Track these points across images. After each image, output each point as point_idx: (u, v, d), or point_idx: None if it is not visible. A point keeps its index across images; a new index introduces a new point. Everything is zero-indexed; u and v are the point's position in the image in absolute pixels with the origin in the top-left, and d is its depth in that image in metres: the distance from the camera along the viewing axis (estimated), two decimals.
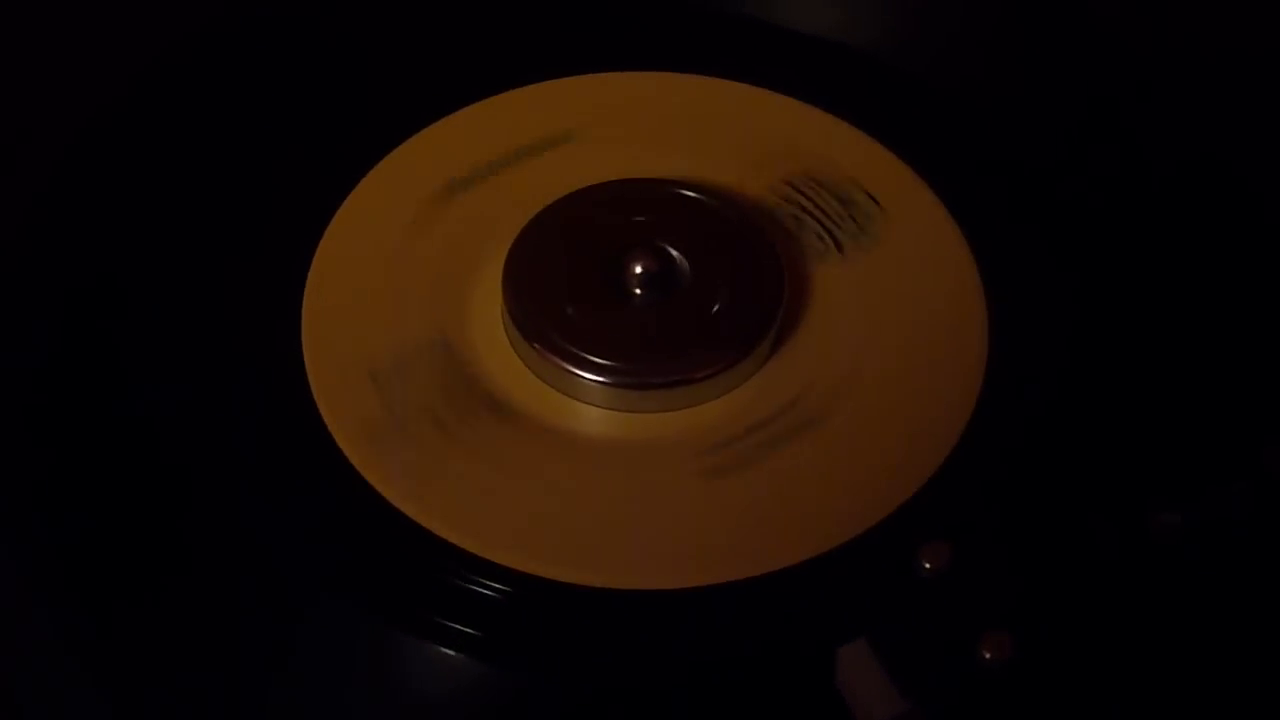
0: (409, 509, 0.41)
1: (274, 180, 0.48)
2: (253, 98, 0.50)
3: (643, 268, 0.45)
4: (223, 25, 0.52)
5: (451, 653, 0.39)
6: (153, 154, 0.49)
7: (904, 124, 0.50)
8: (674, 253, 0.45)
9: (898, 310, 0.46)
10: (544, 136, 0.49)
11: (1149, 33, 0.51)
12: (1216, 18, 0.51)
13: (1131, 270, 0.46)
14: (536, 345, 0.44)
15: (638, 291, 0.45)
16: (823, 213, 0.48)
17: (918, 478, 0.42)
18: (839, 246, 0.47)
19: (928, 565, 0.38)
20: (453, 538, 0.41)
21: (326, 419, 0.43)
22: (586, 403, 0.44)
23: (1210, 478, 0.40)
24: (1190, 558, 0.39)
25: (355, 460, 0.42)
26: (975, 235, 0.47)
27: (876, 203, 0.48)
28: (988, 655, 0.37)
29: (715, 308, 0.44)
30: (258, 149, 0.49)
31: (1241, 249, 0.47)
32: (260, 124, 0.50)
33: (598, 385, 0.43)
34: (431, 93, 0.50)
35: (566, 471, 0.42)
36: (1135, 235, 0.47)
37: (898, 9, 0.53)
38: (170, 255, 0.46)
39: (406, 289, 0.46)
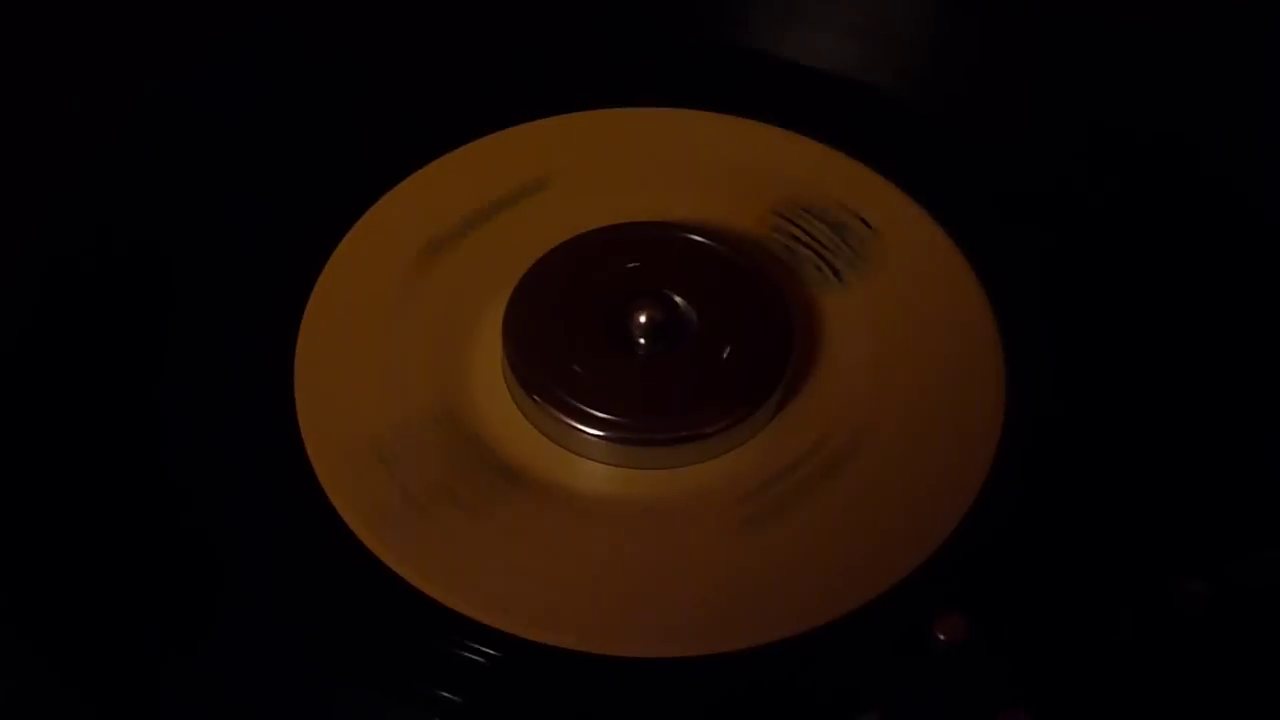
0: (429, 589, 0.40)
1: (248, 256, 0.47)
2: (251, 121, 0.50)
3: (647, 317, 0.43)
4: (225, 45, 0.51)
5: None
6: (152, 172, 0.48)
7: (890, 146, 0.49)
8: (678, 299, 0.44)
9: (910, 359, 0.45)
10: (522, 183, 0.48)
11: (1137, 47, 0.51)
12: (1219, 41, 0.51)
13: (1149, 318, 0.45)
14: (538, 399, 0.43)
15: (642, 341, 0.44)
16: (817, 242, 0.47)
17: (932, 541, 0.41)
18: (838, 275, 0.46)
19: (943, 637, 0.37)
20: (468, 611, 0.40)
21: (335, 502, 0.42)
22: (596, 460, 0.43)
23: (1237, 545, 0.39)
24: (1216, 628, 0.38)
25: (369, 542, 0.41)
26: (975, 255, 0.46)
27: (868, 225, 0.47)
28: None
29: (723, 356, 0.43)
30: (254, 176, 0.48)
31: (1266, 293, 0.46)
32: (257, 151, 0.49)
33: (606, 443, 0.42)
34: (400, 147, 0.49)
35: (578, 537, 0.41)
36: (1152, 276, 0.46)
37: (876, 34, 0.52)
38: (145, 339, 0.45)
39: (400, 357, 0.45)
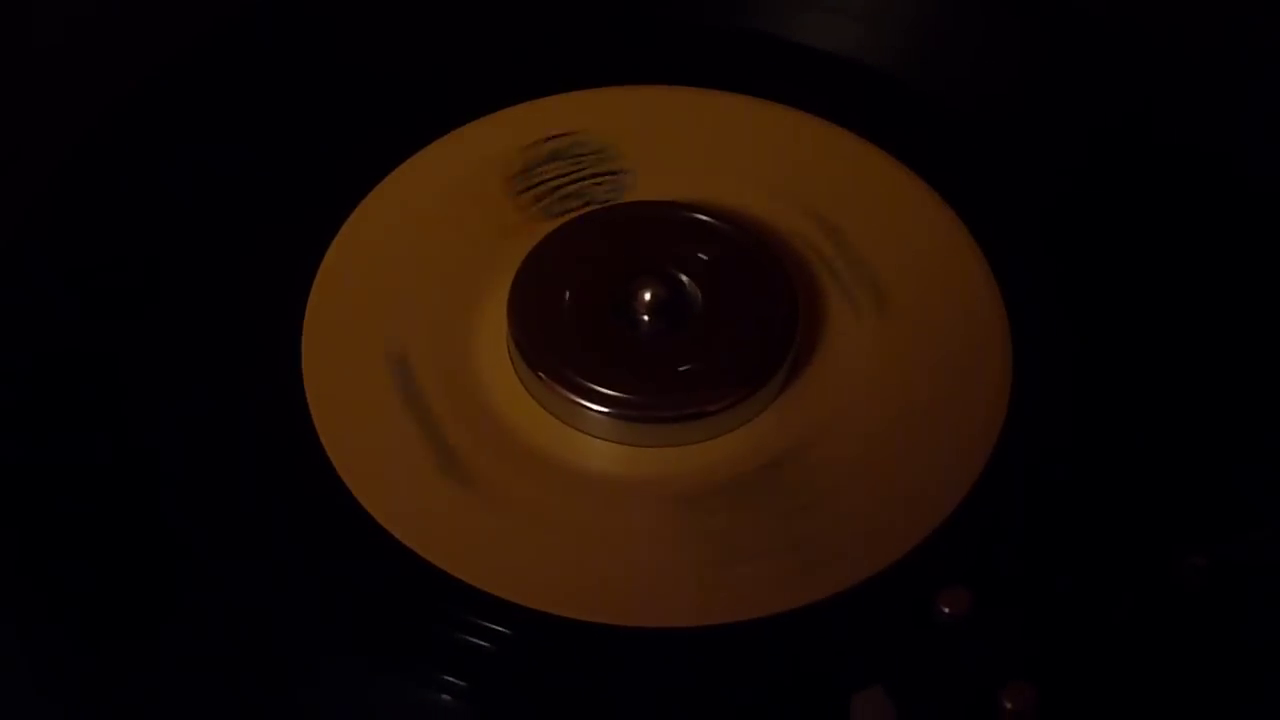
0: (435, 559, 0.40)
1: (272, 199, 0.47)
2: (248, 111, 0.50)
3: (652, 295, 0.43)
4: (218, 36, 0.51)
5: (451, 698, 0.39)
6: (148, 164, 0.48)
7: (901, 129, 0.49)
8: (683, 278, 0.44)
9: (916, 340, 0.45)
10: (530, 160, 0.48)
11: (1162, 43, 0.51)
12: (1225, 27, 0.51)
13: (1155, 301, 0.45)
14: (542, 375, 0.43)
15: (647, 319, 0.44)
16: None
17: (936, 517, 0.41)
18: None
19: (947, 610, 0.37)
20: (462, 575, 0.40)
21: (341, 474, 0.42)
22: (600, 437, 0.43)
23: (1237, 521, 0.39)
24: (1219, 603, 0.38)
25: (376, 514, 0.41)
26: (983, 237, 0.46)
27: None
28: (1009, 706, 0.36)
29: (728, 334, 0.43)
30: (255, 164, 0.48)
31: (1270, 274, 0.46)
32: (256, 140, 0.49)
33: (611, 419, 0.42)
34: (430, 110, 0.49)
35: (581, 513, 0.41)
36: (1158, 260, 0.46)
37: (918, 28, 0.52)
38: (160, 294, 0.46)
39: (405, 334, 0.45)
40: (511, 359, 0.44)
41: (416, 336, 0.44)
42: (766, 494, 0.42)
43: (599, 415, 0.42)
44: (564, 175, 0.48)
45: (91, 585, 0.40)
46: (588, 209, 0.46)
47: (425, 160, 0.48)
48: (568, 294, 0.44)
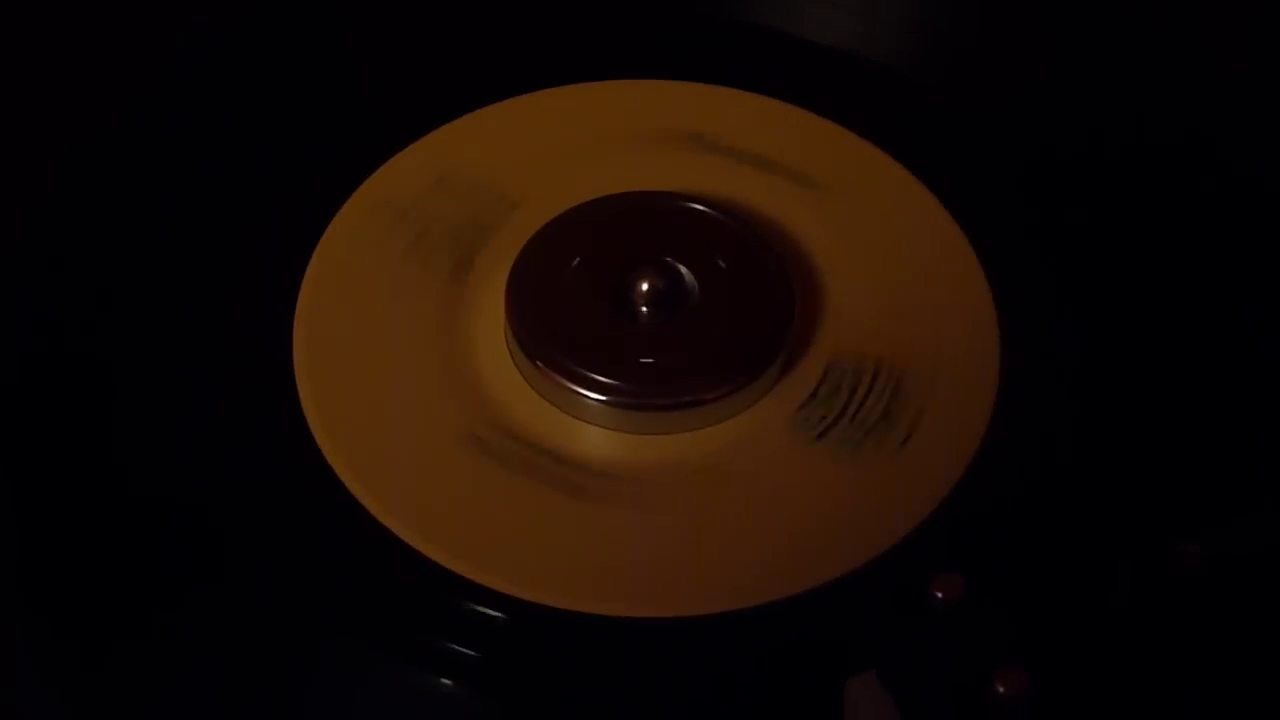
0: (430, 551, 0.41)
1: (259, 198, 0.47)
2: (236, 111, 0.50)
3: (650, 285, 0.44)
4: (211, 32, 0.52)
5: (450, 682, 0.39)
6: (139, 166, 0.48)
7: (894, 123, 0.49)
8: (680, 268, 0.44)
9: (909, 330, 0.45)
10: (525, 153, 0.48)
11: (1159, 37, 0.51)
12: (1223, 22, 0.51)
13: (1147, 288, 0.45)
14: (540, 364, 0.43)
15: (644, 309, 0.44)
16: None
17: (929, 505, 0.41)
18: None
19: (940, 596, 0.37)
20: (461, 568, 0.40)
21: (335, 467, 0.42)
22: (597, 425, 0.43)
23: (1232, 506, 0.39)
24: (1212, 588, 0.38)
25: (370, 506, 0.41)
26: (987, 254, 0.46)
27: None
28: (1002, 690, 0.36)
29: (725, 324, 0.44)
30: (241, 163, 0.48)
31: (1260, 265, 0.46)
32: (243, 139, 0.49)
33: (608, 408, 0.43)
34: (422, 102, 0.49)
35: (578, 501, 0.42)
36: (1151, 251, 0.46)
37: (913, 21, 0.52)
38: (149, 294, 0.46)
39: (402, 326, 0.45)
40: (509, 349, 0.44)
41: (412, 328, 0.45)
42: (762, 482, 0.42)
43: (597, 404, 0.43)
44: None
45: (87, 586, 0.40)
46: (583, 201, 0.47)
47: (414, 154, 0.48)
48: (565, 284, 0.44)
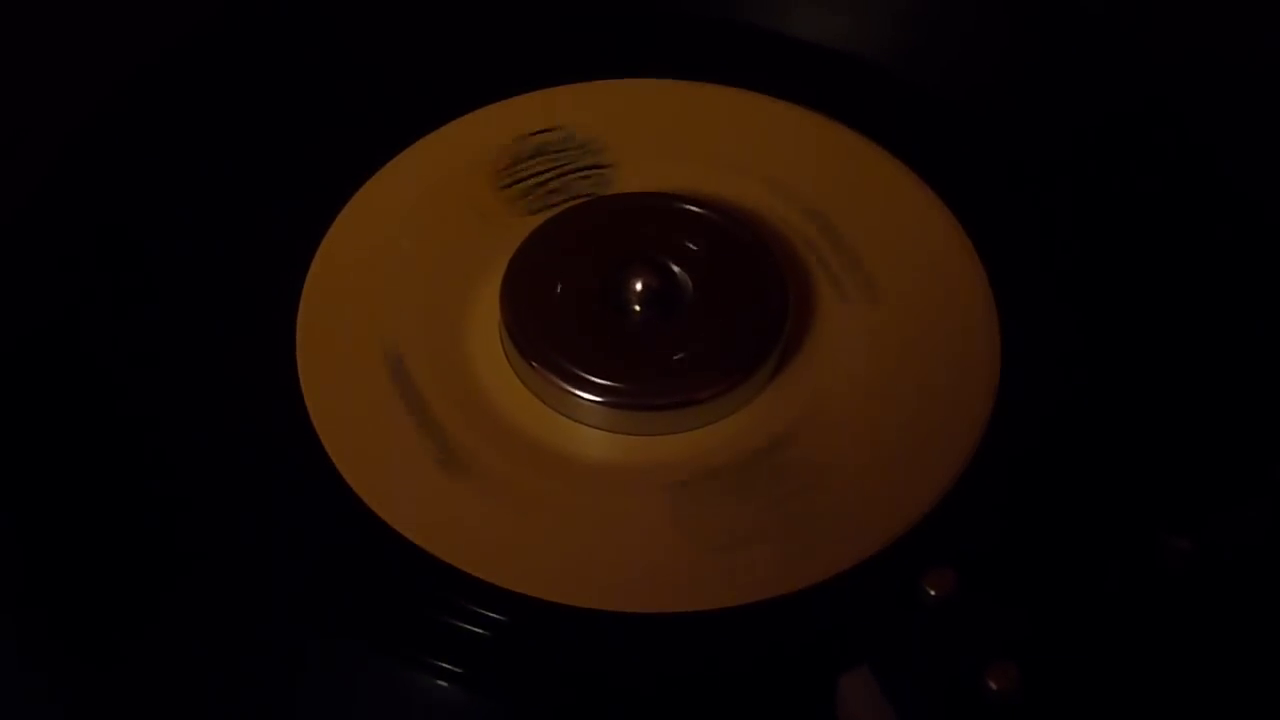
0: (415, 536, 0.41)
1: (260, 200, 0.47)
2: (245, 102, 0.50)
3: (644, 285, 0.44)
4: (214, 28, 0.52)
5: (450, 686, 0.39)
6: (136, 164, 0.48)
7: (892, 120, 0.49)
8: (674, 267, 0.45)
9: (906, 328, 0.45)
10: (523, 152, 0.49)
11: (1152, 34, 0.51)
12: (1221, 24, 0.51)
13: (1140, 287, 0.45)
14: (535, 365, 0.43)
15: (639, 309, 0.44)
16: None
17: (924, 502, 0.41)
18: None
19: (932, 592, 0.37)
20: (460, 564, 0.40)
21: (337, 464, 0.42)
22: (592, 425, 0.43)
23: (1222, 500, 0.39)
24: (1203, 583, 0.38)
25: (371, 503, 0.41)
26: (988, 252, 0.46)
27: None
28: (994, 686, 0.36)
29: (719, 323, 0.44)
30: (241, 165, 0.48)
31: (1251, 262, 0.46)
32: (242, 141, 0.49)
33: (603, 408, 0.43)
34: (415, 107, 0.50)
35: (573, 500, 0.42)
36: (1145, 248, 0.46)
37: (905, 18, 0.52)
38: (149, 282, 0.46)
39: (399, 325, 0.45)
40: (505, 349, 0.44)
41: (410, 330, 0.45)
42: (757, 481, 0.42)
43: (592, 404, 0.43)
44: (548, 170, 0.48)
45: (88, 584, 0.40)
46: (573, 202, 0.47)
47: (411, 158, 0.48)
48: (560, 284, 0.44)
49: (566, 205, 0.47)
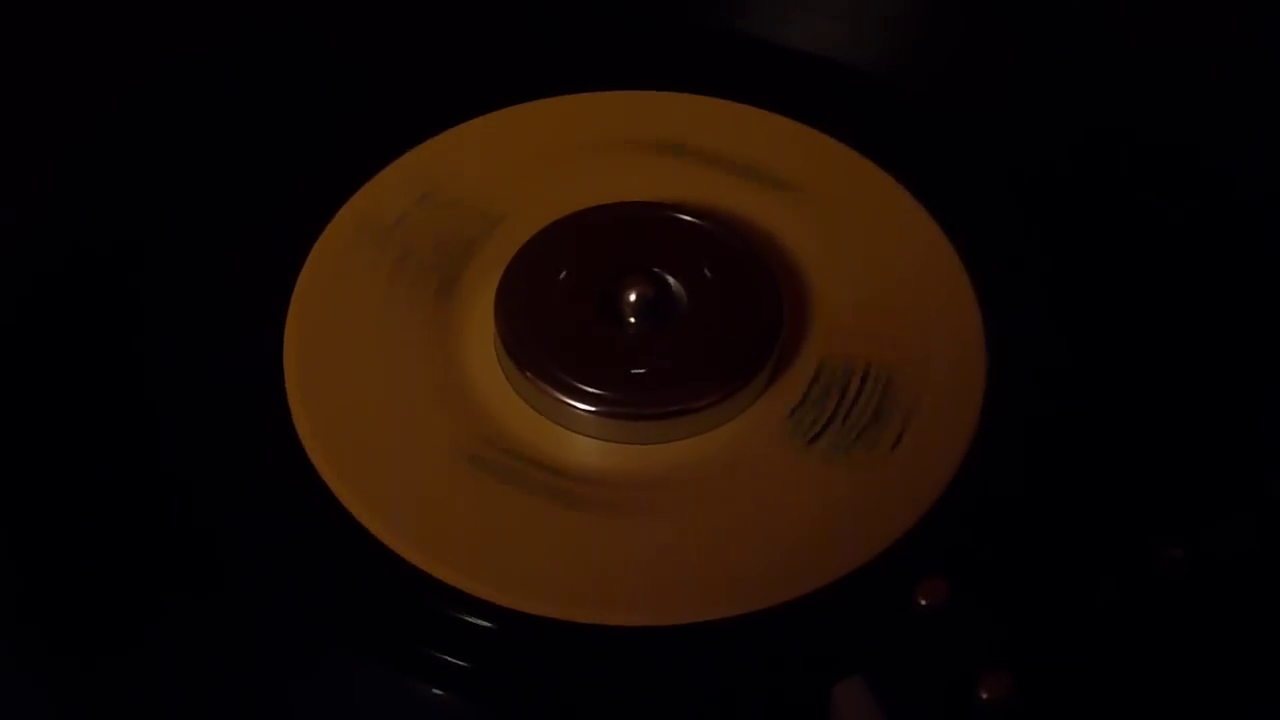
0: (420, 561, 0.41)
1: (248, 209, 0.48)
2: (235, 114, 0.50)
3: (639, 295, 0.44)
4: (214, 36, 0.52)
5: (443, 692, 0.39)
6: (130, 172, 0.49)
7: (879, 130, 0.49)
8: (669, 277, 0.45)
9: (896, 334, 0.45)
10: (516, 163, 0.49)
11: (1143, 41, 0.51)
12: (1206, 24, 0.51)
13: (1130, 297, 0.46)
14: (530, 374, 0.43)
15: (633, 319, 0.44)
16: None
17: (915, 512, 0.41)
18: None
19: (924, 602, 0.37)
20: (452, 578, 0.40)
21: (316, 461, 0.42)
22: (587, 435, 0.43)
23: (1215, 509, 0.39)
24: (1195, 592, 0.38)
25: (361, 516, 0.41)
26: (971, 258, 0.46)
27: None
28: (986, 695, 0.36)
29: (714, 332, 0.44)
30: (237, 168, 0.49)
31: (1243, 271, 0.46)
32: (239, 142, 0.49)
33: (597, 417, 0.43)
34: (405, 118, 0.50)
35: (568, 511, 0.42)
36: (1134, 258, 0.46)
37: (897, 28, 0.52)
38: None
39: (392, 336, 0.45)
40: (499, 359, 0.44)
41: (403, 340, 0.45)
42: (751, 490, 0.42)
43: (587, 413, 0.43)
44: None
45: (80, 597, 0.40)
46: (571, 211, 0.47)
47: (398, 171, 0.48)
48: (554, 294, 0.44)
49: (558, 216, 0.47)
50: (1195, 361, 0.44)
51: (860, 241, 0.47)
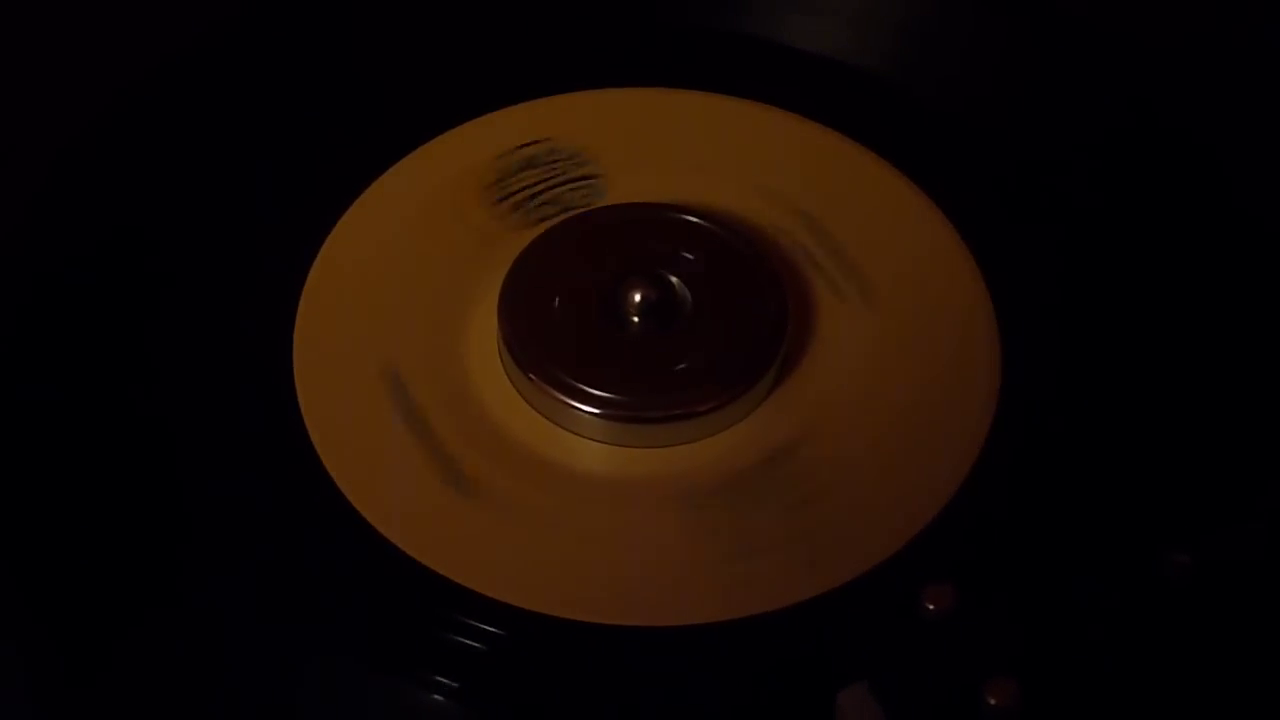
0: (415, 552, 0.41)
1: (249, 220, 0.47)
2: (241, 113, 0.50)
3: (642, 297, 0.44)
4: (216, 35, 0.52)
5: (452, 702, 0.39)
6: (144, 164, 0.48)
7: (891, 131, 0.49)
8: (673, 279, 0.45)
9: (905, 339, 0.45)
10: (519, 162, 0.48)
11: (1148, 42, 0.51)
12: (1218, 34, 0.51)
13: (1139, 299, 0.45)
14: (533, 377, 0.43)
15: (637, 320, 0.44)
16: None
17: (923, 517, 0.41)
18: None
19: (931, 607, 0.37)
20: (462, 579, 0.40)
21: (327, 464, 0.42)
22: (591, 438, 0.43)
23: (1222, 516, 0.39)
24: (1202, 599, 0.38)
25: (369, 516, 0.41)
26: (987, 262, 0.46)
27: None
28: (993, 702, 0.36)
29: (718, 335, 0.44)
30: (237, 174, 0.48)
31: (1251, 274, 0.46)
32: (240, 148, 0.49)
33: (601, 420, 0.43)
34: (421, 110, 0.50)
35: (572, 513, 0.42)
36: (1144, 259, 0.46)
37: (906, 31, 0.52)
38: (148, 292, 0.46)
39: (396, 337, 0.45)
40: (503, 363, 0.44)
41: (407, 345, 0.45)
42: (757, 493, 0.42)
43: (591, 417, 0.43)
44: (539, 183, 0.48)
45: (82, 595, 0.40)
46: (569, 214, 0.47)
47: (402, 172, 0.48)
48: (558, 297, 0.44)
49: (562, 217, 0.46)
50: (1206, 366, 0.44)
51: (869, 241, 0.47)
